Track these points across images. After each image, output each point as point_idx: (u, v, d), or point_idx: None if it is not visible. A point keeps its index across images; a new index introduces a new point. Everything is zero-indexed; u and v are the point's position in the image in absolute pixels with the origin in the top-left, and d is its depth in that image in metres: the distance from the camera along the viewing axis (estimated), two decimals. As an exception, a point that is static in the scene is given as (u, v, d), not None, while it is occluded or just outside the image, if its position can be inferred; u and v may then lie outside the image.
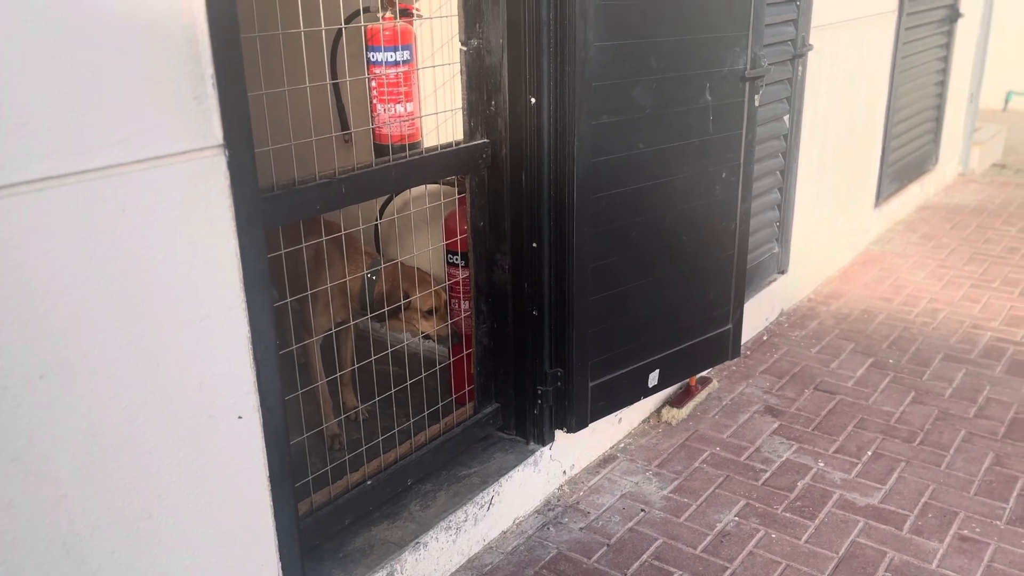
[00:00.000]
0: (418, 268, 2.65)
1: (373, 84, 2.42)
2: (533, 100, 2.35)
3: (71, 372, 1.43)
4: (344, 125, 3.14)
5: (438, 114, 2.61)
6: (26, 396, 1.38)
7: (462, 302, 2.77)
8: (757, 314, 3.87)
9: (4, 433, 1.37)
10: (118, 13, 1.38)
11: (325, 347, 2.78)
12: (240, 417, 1.73)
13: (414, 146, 2.42)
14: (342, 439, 2.72)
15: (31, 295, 1.36)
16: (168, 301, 1.55)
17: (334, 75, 3.02)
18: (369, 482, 2.31)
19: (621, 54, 2.42)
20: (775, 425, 3.17)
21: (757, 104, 2.87)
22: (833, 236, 4.52)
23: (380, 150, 2.42)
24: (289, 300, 2.12)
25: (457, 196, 2.64)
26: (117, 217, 1.44)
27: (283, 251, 2.03)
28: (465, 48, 2.38)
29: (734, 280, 3.04)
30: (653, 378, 2.87)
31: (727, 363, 3.47)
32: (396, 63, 2.40)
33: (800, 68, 3.66)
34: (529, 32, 2.29)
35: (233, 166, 1.61)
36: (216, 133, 1.57)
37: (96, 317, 1.45)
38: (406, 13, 2.54)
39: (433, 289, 2.61)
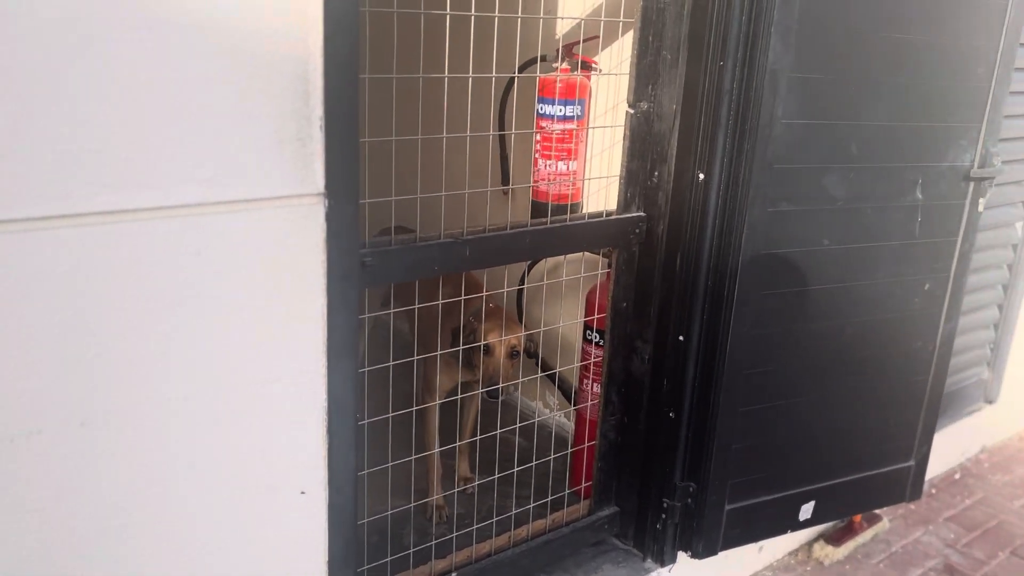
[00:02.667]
0: (502, 309, 2.42)
1: (538, 138, 2.25)
2: (701, 176, 2.05)
3: (116, 423, 1.31)
4: (505, 179, 2.98)
5: (596, 179, 2.37)
6: (62, 443, 1.27)
7: (591, 384, 2.49)
8: (952, 447, 3.29)
9: (29, 481, 1.26)
10: (220, 39, 1.26)
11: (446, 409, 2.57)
12: (303, 493, 1.56)
13: (572, 208, 2.22)
14: (446, 512, 2.51)
15: (81, 335, 1.24)
16: (236, 358, 1.41)
17: (501, 125, 2.87)
18: (454, 574, 2.07)
19: (814, 135, 2.07)
20: (954, 592, 2.63)
21: (981, 209, 2.41)
22: (1061, 367, 3.81)
23: (537, 207, 2.24)
24: (392, 362, 1.94)
25: (602, 270, 2.38)
26: (190, 260, 1.31)
27: (389, 311, 1.86)
28: (632, 111, 2.13)
29: (924, 410, 2.56)
30: (806, 510, 2.44)
31: (904, 502, 2.94)
32: (566, 118, 2.22)
33: (1043, 169, 3.10)
34: (707, 100, 2.01)
35: (332, 218, 1.45)
36: (317, 180, 1.42)
37: (151, 366, 1.32)
38: (585, 66, 2.35)
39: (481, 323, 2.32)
